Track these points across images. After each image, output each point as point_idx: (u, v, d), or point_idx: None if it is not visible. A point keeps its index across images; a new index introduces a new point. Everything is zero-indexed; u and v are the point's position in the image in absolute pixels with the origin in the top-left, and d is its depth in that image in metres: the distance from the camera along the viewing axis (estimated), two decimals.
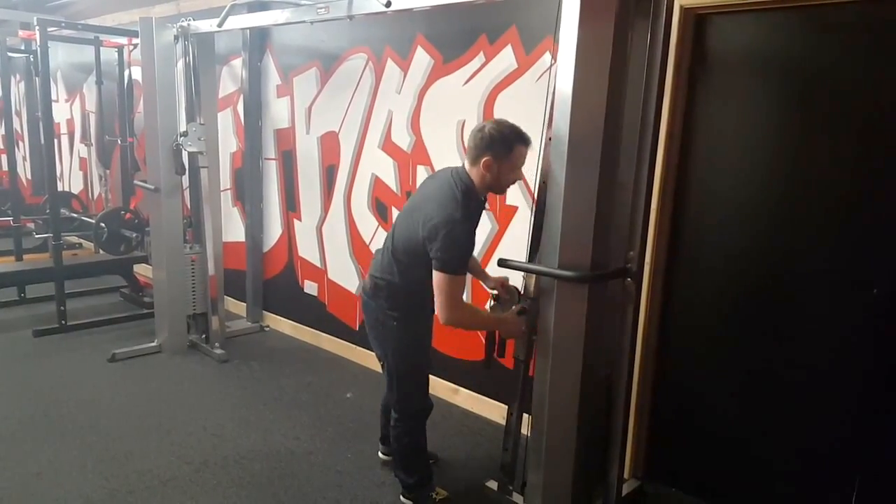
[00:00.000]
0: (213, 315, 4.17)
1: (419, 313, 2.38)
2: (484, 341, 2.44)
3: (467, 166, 2.23)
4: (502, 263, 2.24)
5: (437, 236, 2.10)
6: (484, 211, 2.33)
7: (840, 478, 2.29)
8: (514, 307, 2.33)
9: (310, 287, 4.35)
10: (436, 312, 2.17)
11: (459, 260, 2.12)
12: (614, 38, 1.90)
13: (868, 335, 2.19)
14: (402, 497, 2.58)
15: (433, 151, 3.40)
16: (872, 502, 2.23)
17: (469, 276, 2.72)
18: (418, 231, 2.17)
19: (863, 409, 2.23)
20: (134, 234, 4.88)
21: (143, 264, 5.02)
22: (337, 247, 4.09)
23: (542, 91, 2.48)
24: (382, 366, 2.52)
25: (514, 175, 2.22)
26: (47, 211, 4.95)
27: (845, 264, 2.23)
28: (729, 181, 2.46)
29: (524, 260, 2.34)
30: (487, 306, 2.51)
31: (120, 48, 5.34)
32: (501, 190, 2.28)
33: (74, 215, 5.89)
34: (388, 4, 2.68)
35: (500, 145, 2.14)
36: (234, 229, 4.79)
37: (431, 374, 3.61)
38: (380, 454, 2.89)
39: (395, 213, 3.62)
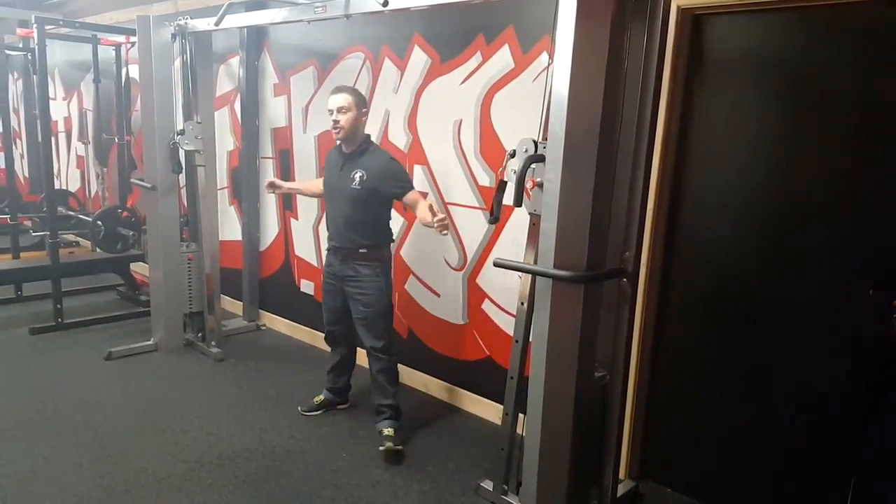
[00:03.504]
0: (209, 314, 4.16)
1: (390, 263, 3.03)
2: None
3: None
4: (498, 264, 2.24)
5: None
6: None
7: (835, 478, 2.29)
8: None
9: (306, 286, 4.34)
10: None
11: None
12: (610, 38, 1.90)
13: (863, 336, 2.20)
14: (393, 431, 2.94)
15: (430, 150, 3.40)
16: (867, 502, 2.24)
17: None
18: None
19: (858, 410, 2.23)
20: (131, 233, 4.88)
21: (140, 262, 5.01)
22: None
23: (539, 91, 2.48)
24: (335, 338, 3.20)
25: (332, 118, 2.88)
26: (44, 209, 4.95)
27: (841, 266, 2.23)
28: (725, 182, 2.46)
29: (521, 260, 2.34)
30: None
31: (117, 46, 5.33)
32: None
33: (71, 213, 5.89)
34: (385, 4, 2.68)
35: None
36: (231, 228, 4.78)
37: (428, 374, 3.65)
38: (323, 399, 3.32)
39: None
